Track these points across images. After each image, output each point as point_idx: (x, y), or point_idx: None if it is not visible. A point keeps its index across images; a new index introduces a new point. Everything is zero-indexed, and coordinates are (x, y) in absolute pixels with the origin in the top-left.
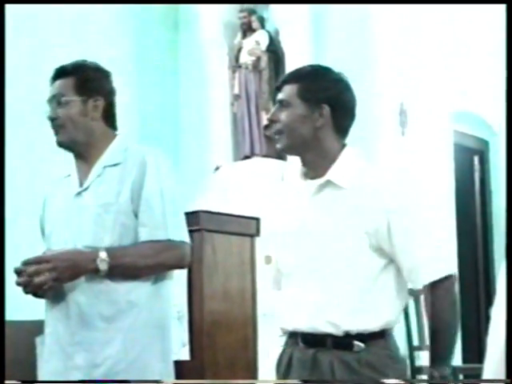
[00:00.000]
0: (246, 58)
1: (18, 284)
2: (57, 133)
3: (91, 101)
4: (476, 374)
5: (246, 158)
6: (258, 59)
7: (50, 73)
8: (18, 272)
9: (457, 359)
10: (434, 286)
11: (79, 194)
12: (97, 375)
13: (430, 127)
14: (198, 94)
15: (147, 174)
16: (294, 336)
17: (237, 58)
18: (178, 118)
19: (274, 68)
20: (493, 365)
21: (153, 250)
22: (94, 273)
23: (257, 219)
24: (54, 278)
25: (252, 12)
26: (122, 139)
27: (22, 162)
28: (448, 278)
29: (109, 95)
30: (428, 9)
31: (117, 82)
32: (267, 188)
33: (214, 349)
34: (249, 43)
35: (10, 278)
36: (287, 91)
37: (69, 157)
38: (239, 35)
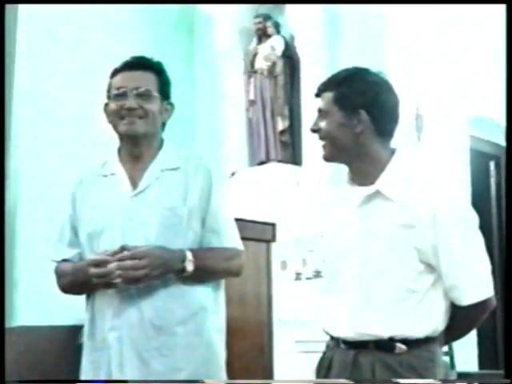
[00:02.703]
0: (261, 64)
1: (102, 275)
2: (132, 122)
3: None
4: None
5: (262, 163)
6: (274, 65)
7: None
8: (101, 262)
9: (473, 365)
10: (468, 306)
11: (136, 195)
12: (178, 380)
13: (446, 132)
14: (214, 100)
15: (214, 183)
16: (335, 339)
17: (252, 64)
18: (193, 124)
19: (289, 73)
20: None
21: (225, 256)
22: (179, 273)
23: (273, 225)
24: (145, 274)
25: (267, 18)
26: (170, 143)
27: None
28: (486, 301)
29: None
30: (443, 13)
31: None
32: (283, 193)
33: (230, 354)
34: (264, 49)
35: (10, 277)
36: (325, 99)
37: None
38: (254, 41)
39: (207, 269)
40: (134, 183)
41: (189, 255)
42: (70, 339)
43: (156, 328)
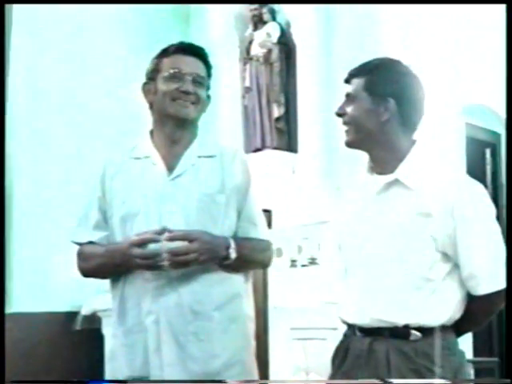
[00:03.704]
0: (257, 51)
1: (149, 257)
2: (185, 106)
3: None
4: (487, 368)
5: (257, 150)
6: (269, 51)
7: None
8: (148, 241)
9: (468, 353)
10: (484, 296)
11: (172, 179)
12: (215, 366)
13: (441, 120)
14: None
15: (250, 175)
16: (351, 327)
17: (248, 51)
18: None
19: (285, 60)
20: None
21: (261, 248)
22: (222, 260)
23: (268, 212)
24: (195, 258)
25: (263, 4)
26: (205, 132)
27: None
28: (502, 291)
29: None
30: (438, 3)
31: (127, 76)
32: (278, 181)
33: None
34: (260, 35)
35: (31, 270)
36: (354, 84)
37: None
38: (250, 27)
39: (246, 258)
40: (170, 167)
41: (232, 243)
42: (65, 325)
43: (194, 312)
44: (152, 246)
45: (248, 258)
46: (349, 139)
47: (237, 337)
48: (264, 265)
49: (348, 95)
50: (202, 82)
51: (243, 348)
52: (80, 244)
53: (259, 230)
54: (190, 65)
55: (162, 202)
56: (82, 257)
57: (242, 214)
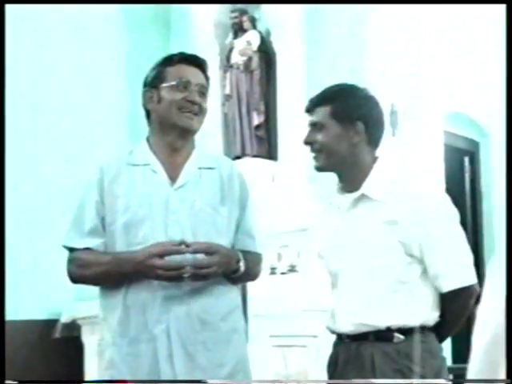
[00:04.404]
0: (237, 58)
1: (172, 268)
2: (190, 117)
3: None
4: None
5: (237, 158)
6: (250, 59)
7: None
8: (172, 253)
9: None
10: (453, 294)
11: (176, 189)
12: (221, 375)
13: (420, 128)
14: None
15: (247, 188)
16: (339, 335)
17: (228, 59)
18: None
19: (265, 68)
20: (478, 364)
21: (258, 262)
22: (232, 273)
23: None
24: (214, 272)
25: (243, 12)
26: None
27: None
28: (469, 287)
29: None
30: (418, 10)
31: (108, 83)
32: (258, 188)
33: None
34: (240, 43)
35: (10, 277)
36: (320, 113)
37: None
38: (230, 35)
39: (249, 271)
40: (172, 177)
41: (241, 256)
42: (44, 333)
43: (202, 322)
44: (173, 258)
45: (251, 272)
46: (320, 164)
47: (239, 346)
48: (256, 278)
49: (315, 124)
50: (205, 93)
51: (245, 356)
52: (73, 249)
53: (256, 244)
54: (196, 75)
55: (167, 212)
56: (78, 263)
57: (241, 227)
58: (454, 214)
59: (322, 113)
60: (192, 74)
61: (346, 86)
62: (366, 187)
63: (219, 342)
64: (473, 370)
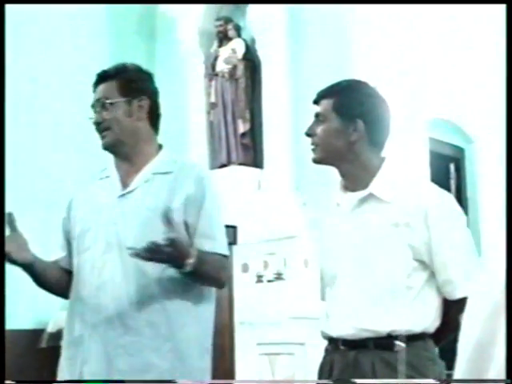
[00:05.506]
0: (222, 67)
1: (165, 255)
2: (103, 136)
3: (136, 101)
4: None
5: (223, 166)
6: (235, 67)
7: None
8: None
9: None
10: (462, 299)
11: (123, 195)
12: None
13: (405, 134)
14: (175, 103)
15: (208, 189)
16: (334, 341)
17: (213, 67)
18: None
19: (250, 76)
20: (461, 375)
21: (219, 264)
22: (177, 268)
23: (234, 227)
24: (172, 259)
25: (228, 20)
26: (168, 151)
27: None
28: None
29: (153, 95)
30: (403, 15)
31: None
32: (244, 196)
33: None
34: (225, 51)
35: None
36: (324, 105)
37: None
38: (215, 44)
39: (201, 273)
40: (125, 185)
41: (194, 253)
42: (30, 343)
43: (124, 326)
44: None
45: (205, 273)
46: (316, 157)
47: (170, 356)
48: (220, 284)
49: (317, 115)
50: (111, 102)
51: (175, 369)
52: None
53: (216, 244)
54: (97, 93)
55: (109, 218)
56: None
57: (197, 230)
58: (463, 217)
59: (325, 105)
60: (98, 92)
61: (354, 82)
62: (375, 187)
63: (142, 348)
64: (459, 371)
